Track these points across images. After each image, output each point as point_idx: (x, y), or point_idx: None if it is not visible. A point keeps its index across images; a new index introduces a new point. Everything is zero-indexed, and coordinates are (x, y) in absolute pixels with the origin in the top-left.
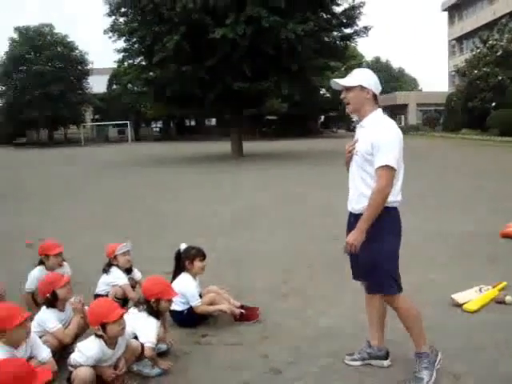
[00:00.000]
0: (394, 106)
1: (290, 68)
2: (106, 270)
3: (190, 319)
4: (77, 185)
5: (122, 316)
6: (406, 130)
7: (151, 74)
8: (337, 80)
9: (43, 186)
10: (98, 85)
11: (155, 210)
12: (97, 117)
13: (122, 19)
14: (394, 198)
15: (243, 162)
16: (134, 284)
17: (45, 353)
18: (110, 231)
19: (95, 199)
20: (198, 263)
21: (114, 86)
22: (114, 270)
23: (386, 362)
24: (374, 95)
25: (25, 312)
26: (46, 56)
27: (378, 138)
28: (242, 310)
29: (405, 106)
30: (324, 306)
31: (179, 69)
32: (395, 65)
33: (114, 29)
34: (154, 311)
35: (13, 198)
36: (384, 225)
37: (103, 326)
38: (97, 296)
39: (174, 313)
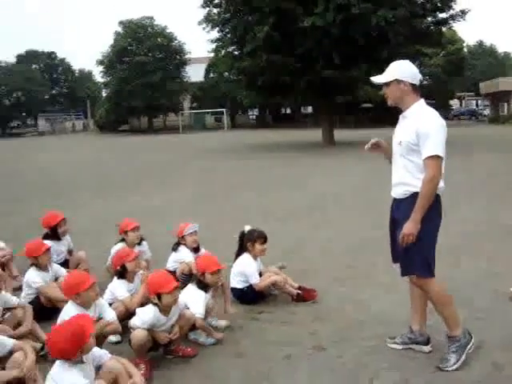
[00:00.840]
0: (497, 92)
1: (380, 56)
2: (174, 249)
3: (249, 296)
4: (168, 171)
5: (175, 288)
6: (509, 118)
7: (243, 63)
8: (373, 78)
9: (139, 171)
10: (195, 74)
11: (241, 196)
12: (194, 105)
13: (215, 10)
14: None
15: (332, 151)
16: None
17: (111, 315)
18: (195, 217)
19: (186, 185)
20: (258, 246)
21: (211, 75)
22: (182, 249)
23: (426, 348)
24: (413, 86)
25: (93, 278)
26: (146, 47)
27: (423, 127)
28: (299, 291)
29: (508, 92)
30: (380, 292)
31: (269, 58)
32: (501, 49)
33: (207, 20)
34: (202, 284)
35: (115, 183)
36: (429, 209)
37: (159, 296)
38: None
39: (234, 290)
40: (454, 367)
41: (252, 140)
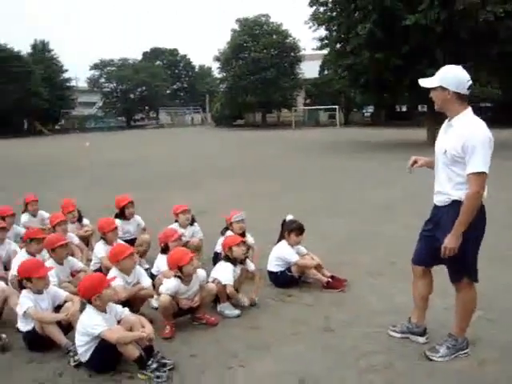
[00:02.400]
0: None
1: (489, 53)
2: (222, 233)
3: (282, 280)
4: (267, 164)
5: (192, 259)
6: None
7: (347, 61)
8: (420, 81)
9: (243, 163)
10: (309, 70)
11: (340, 191)
12: (308, 101)
13: (322, 8)
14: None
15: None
16: (248, 247)
17: (147, 282)
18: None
19: (280, 178)
20: (293, 236)
21: (326, 72)
22: (229, 234)
23: (421, 339)
24: (459, 94)
25: (131, 248)
26: (262, 44)
27: (470, 141)
28: (329, 279)
29: None
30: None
31: (372, 56)
32: None
33: (314, 18)
34: (230, 258)
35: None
36: (472, 220)
37: (180, 269)
38: (216, 254)
39: (270, 274)
40: (440, 359)
41: (359, 137)
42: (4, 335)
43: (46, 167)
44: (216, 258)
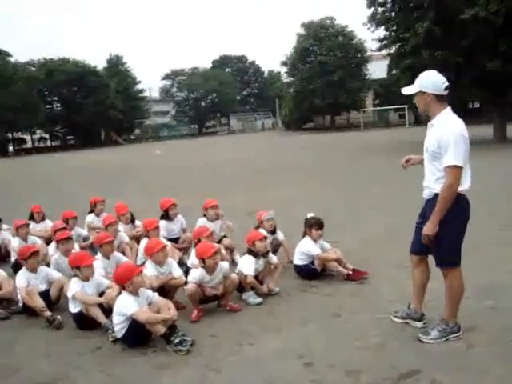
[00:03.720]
0: None
1: None
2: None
3: (306, 273)
4: (333, 166)
5: (215, 253)
6: None
7: (406, 61)
8: (402, 90)
9: (303, 167)
10: (378, 70)
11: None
12: (377, 102)
13: (380, 9)
14: (461, 187)
15: (500, 148)
16: (278, 243)
17: (178, 272)
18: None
19: (347, 180)
20: (314, 231)
21: (394, 72)
22: (260, 231)
23: (419, 324)
24: (437, 96)
25: (163, 243)
26: (327, 47)
27: (444, 137)
28: (350, 272)
29: None
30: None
31: (432, 54)
32: None
33: (372, 19)
34: (252, 251)
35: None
36: (451, 207)
37: (203, 260)
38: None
39: (295, 266)
40: (431, 341)
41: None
42: (59, 316)
43: (116, 174)
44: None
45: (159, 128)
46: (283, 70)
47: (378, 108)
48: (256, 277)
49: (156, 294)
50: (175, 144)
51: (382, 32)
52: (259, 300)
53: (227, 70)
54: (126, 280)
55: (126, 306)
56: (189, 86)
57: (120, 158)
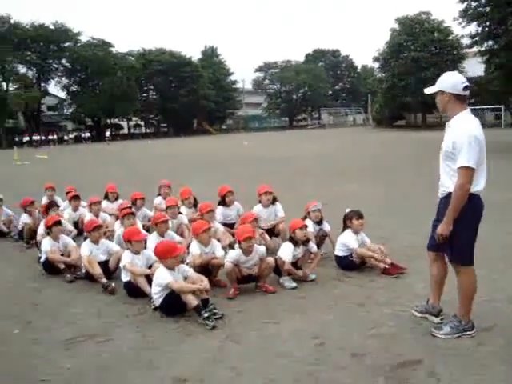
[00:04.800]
0: None
1: None
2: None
3: (344, 264)
4: (400, 166)
5: (248, 238)
6: None
7: (499, 58)
8: (425, 90)
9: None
10: (473, 68)
11: None
12: (471, 101)
13: (473, 4)
14: (473, 187)
15: None
16: (324, 233)
17: (220, 252)
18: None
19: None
20: (354, 221)
21: (491, 70)
22: (306, 221)
23: (436, 319)
24: (456, 96)
25: (207, 224)
26: (421, 42)
27: (458, 139)
28: (386, 266)
29: None
30: None
31: None
32: None
33: (465, 14)
34: (293, 239)
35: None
36: (464, 207)
37: (239, 242)
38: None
39: (336, 257)
40: (442, 336)
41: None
42: (113, 284)
43: (199, 162)
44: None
45: (250, 119)
46: (376, 65)
47: (473, 107)
48: (295, 263)
49: (191, 269)
50: (264, 136)
51: (473, 28)
52: (294, 285)
53: (320, 63)
54: (163, 256)
55: (162, 277)
56: (281, 79)
57: (207, 147)
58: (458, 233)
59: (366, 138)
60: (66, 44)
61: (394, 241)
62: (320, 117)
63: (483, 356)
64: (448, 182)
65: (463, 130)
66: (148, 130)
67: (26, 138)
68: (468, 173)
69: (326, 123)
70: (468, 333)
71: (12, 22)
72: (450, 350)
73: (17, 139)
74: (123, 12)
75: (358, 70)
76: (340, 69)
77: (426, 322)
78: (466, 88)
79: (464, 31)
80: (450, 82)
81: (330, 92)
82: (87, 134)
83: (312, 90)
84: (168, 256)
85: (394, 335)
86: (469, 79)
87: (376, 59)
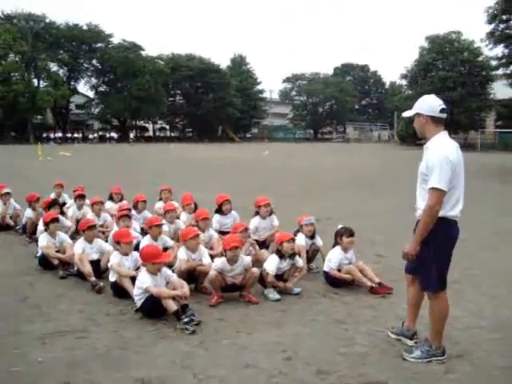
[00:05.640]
0: None
1: None
2: (295, 234)
3: (331, 279)
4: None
5: (235, 247)
6: None
7: None
8: (403, 114)
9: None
10: (503, 90)
11: None
12: (499, 123)
13: (501, 26)
14: (447, 212)
15: None
16: (316, 248)
17: (207, 260)
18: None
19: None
20: (345, 238)
21: None
22: (299, 235)
23: (410, 342)
24: (433, 118)
25: (196, 231)
26: (450, 62)
27: (430, 161)
28: (373, 285)
29: None
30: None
31: None
32: None
33: (491, 35)
34: (279, 252)
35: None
36: (435, 232)
37: (225, 250)
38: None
39: (324, 272)
40: (412, 360)
41: None
42: (102, 283)
43: (214, 169)
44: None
45: (275, 129)
46: (403, 82)
47: (500, 130)
48: (281, 275)
49: (174, 274)
50: (287, 146)
51: (500, 50)
52: (278, 297)
53: (348, 78)
54: (144, 259)
55: (143, 281)
56: (308, 91)
57: (227, 155)
58: (428, 260)
59: (390, 155)
60: (98, 45)
61: (388, 259)
62: (345, 131)
63: None
64: (422, 204)
65: (436, 152)
66: (173, 134)
67: (53, 135)
68: (437, 194)
69: (351, 138)
70: (438, 358)
71: (47, 21)
72: (416, 375)
73: (45, 135)
74: (156, 16)
75: (386, 87)
76: (368, 84)
77: (400, 344)
78: (442, 110)
79: (491, 53)
80: (427, 104)
81: (357, 107)
82: (112, 134)
83: (338, 104)
84: (149, 260)
85: (364, 355)
86: (497, 101)
87: (404, 76)
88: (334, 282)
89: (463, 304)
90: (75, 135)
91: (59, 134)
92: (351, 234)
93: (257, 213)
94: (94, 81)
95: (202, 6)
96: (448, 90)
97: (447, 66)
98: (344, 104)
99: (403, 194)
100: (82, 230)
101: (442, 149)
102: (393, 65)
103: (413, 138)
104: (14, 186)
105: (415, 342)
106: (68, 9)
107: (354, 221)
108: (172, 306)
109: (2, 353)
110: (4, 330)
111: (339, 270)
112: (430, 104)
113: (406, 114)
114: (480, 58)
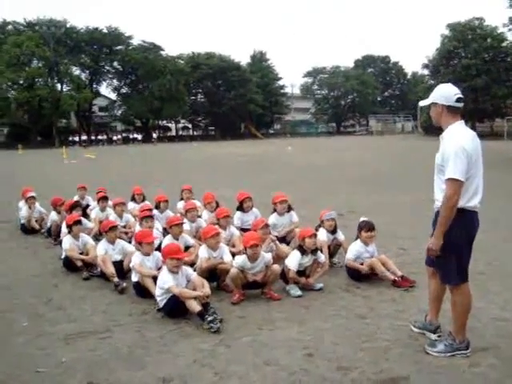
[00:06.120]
0: None
1: None
2: (316, 229)
3: (353, 273)
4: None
5: (254, 245)
6: None
7: None
8: (419, 103)
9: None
10: None
11: None
12: None
13: None
14: (465, 203)
15: None
16: (338, 243)
17: (227, 258)
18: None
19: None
20: (364, 233)
21: None
22: (320, 230)
23: (433, 336)
24: (449, 107)
25: (216, 229)
26: (473, 49)
27: (446, 150)
28: (396, 278)
29: None
30: (482, 293)
31: None
32: None
33: None
34: (301, 247)
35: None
36: (454, 223)
37: (245, 248)
38: None
39: (346, 267)
40: (435, 354)
41: None
42: (125, 283)
43: (238, 167)
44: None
45: (298, 124)
46: (425, 72)
47: None
48: (303, 271)
49: (195, 273)
50: (310, 141)
51: None
52: (299, 293)
53: (369, 70)
54: (166, 255)
55: (164, 281)
56: (329, 85)
57: (251, 152)
58: (447, 251)
59: (413, 146)
60: (118, 47)
61: (411, 252)
62: (368, 123)
63: (472, 378)
64: (440, 196)
65: (452, 142)
66: (195, 133)
67: (78, 138)
68: (454, 185)
69: (374, 130)
70: (462, 352)
71: (68, 26)
72: (439, 369)
73: (70, 138)
74: (174, 16)
75: (408, 77)
76: (389, 75)
77: (423, 338)
78: (458, 100)
79: None
80: (443, 93)
81: (379, 98)
82: (135, 136)
83: (360, 97)
84: (168, 255)
85: (386, 350)
86: None
87: (425, 66)
88: (355, 275)
89: (487, 296)
90: (99, 137)
91: (84, 137)
92: (370, 228)
93: (275, 210)
94: (115, 83)
95: (220, 3)
96: (472, 78)
97: (470, 54)
98: (366, 96)
99: (426, 187)
100: (104, 231)
101: (457, 139)
102: (415, 55)
103: (437, 128)
104: (39, 189)
105: (438, 336)
106: (88, 13)
107: (377, 214)
108: (195, 306)
109: (29, 354)
110: (30, 331)
111: (362, 264)
112: (445, 93)
113: (423, 103)
114: (504, 44)
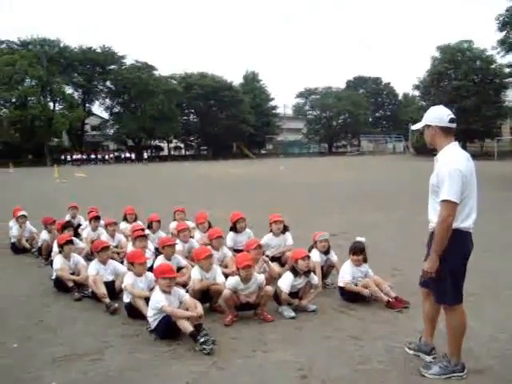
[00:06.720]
0: None
1: None
2: (309, 250)
3: (346, 295)
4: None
5: (247, 266)
6: None
7: None
8: (412, 126)
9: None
10: None
11: None
12: None
13: None
14: (459, 223)
15: None
16: (331, 264)
17: (220, 279)
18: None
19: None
20: (352, 256)
21: None
22: (313, 251)
23: (428, 358)
24: (443, 128)
25: (209, 251)
26: (463, 71)
27: (441, 172)
28: (390, 299)
29: None
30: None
31: None
32: None
33: (503, 43)
34: (294, 269)
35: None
36: (449, 245)
37: (238, 269)
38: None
39: (339, 288)
40: (430, 376)
41: None
42: (116, 304)
43: (229, 187)
44: None
45: (290, 145)
46: (416, 93)
47: None
48: (296, 293)
49: (187, 294)
50: (302, 161)
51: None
52: (292, 314)
53: (361, 90)
54: (158, 275)
55: (157, 300)
56: (321, 105)
57: (244, 172)
58: (443, 273)
59: (404, 167)
60: (111, 66)
61: (405, 272)
62: (359, 144)
63: None
64: (434, 217)
65: (446, 163)
66: (188, 153)
67: (70, 157)
68: (449, 206)
69: (366, 150)
70: (457, 374)
71: (62, 45)
72: None
73: (62, 157)
74: (167, 36)
75: (399, 98)
76: (381, 96)
77: (418, 360)
78: (452, 120)
79: (503, 60)
80: (436, 115)
81: (371, 119)
82: (127, 155)
83: (352, 117)
84: (161, 275)
85: (381, 372)
86: None
87: (416, 87)
88: (350, 297)
89: (482, 316)
90: (92, 156)
91: (77, 156)
92: (357, 251)
93: (271, 230)
94: (108, 102)
95: (212, 24)
96: (462, 99)
97: (460, 75)
98: (358, 117)
99: (420, 207)
100: (95, 251)
101: (452, 160)
102: (405, 76)
103: (428, 148)
104: (30, 208)
105: (433, 358)
106: (81, 32)
107: (370, 234)
108: (187, 326)
109: (17, 378)
110: (19, 354)
111: (356, 285)
112: (438, 114)
113: (416, 126)
114: (493, 66)
